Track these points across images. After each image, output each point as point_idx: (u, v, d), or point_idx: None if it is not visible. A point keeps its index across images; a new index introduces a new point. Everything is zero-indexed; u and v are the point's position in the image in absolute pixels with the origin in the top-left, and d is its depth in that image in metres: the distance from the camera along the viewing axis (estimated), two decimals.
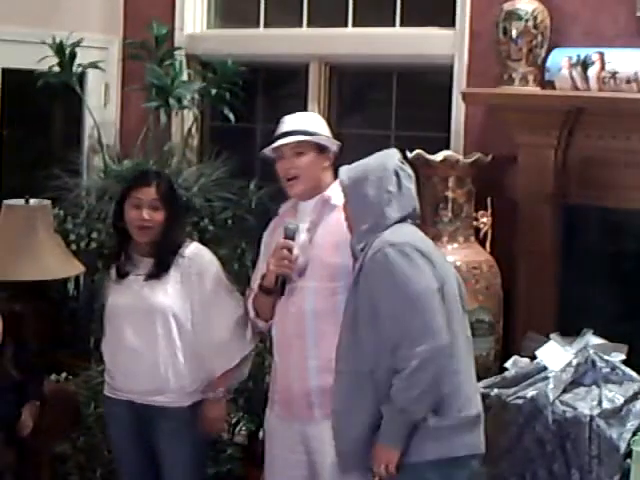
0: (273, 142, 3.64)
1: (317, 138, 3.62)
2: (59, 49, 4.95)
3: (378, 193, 3.29)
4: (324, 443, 3.53)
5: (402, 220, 3.32)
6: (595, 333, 4.04)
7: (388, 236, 3.25)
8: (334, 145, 3.68)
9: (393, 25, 4.98)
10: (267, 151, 3.68)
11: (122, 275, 3.85)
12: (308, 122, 3.68)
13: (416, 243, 3.26)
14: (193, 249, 3.85)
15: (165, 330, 3.76)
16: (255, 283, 3.72)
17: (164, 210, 3.78)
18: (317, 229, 3.60)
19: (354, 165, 3.38)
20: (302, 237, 3.61)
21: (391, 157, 3.38)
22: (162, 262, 3.79)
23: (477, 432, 3.30)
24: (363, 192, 3.31)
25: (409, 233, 3.31)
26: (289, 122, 3.67)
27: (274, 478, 3.72)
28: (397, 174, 3.32)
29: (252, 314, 3.74)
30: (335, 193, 3.62)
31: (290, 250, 3.52)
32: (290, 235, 3.52)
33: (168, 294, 3.77)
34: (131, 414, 3.83)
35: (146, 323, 3.76)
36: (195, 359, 3.79)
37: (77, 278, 4.92)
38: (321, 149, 3.63)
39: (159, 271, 3.78)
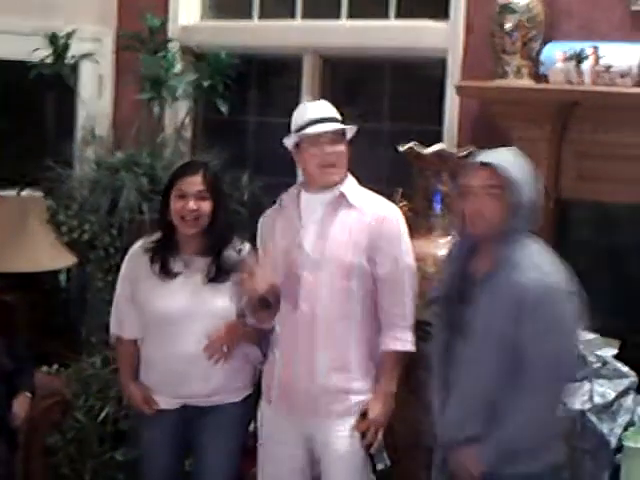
0: (300, 129, 3.57)
1: (350, 127, 3.63)
2: (52, 40, 4.93)
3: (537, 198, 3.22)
4: (328, 439, 3.55)
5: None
6: (587, 328, 4.03)
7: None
8: (351, 134, 3.68)
9: (387, 17, 4.97)
10: (301, 135, 3.59)
11: (169, 274, 3.71)
12: (331, 110, 3.65)
13: None
14: (250, 250, 3.78)
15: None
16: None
17: (211, 200, 3.71)
18: (332, 225, 3.56)
19: (514, 164, 3.23)
20: (312, 231, 3.58)
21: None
22: (222, 262, 3.68)
23: None
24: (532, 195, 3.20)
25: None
26: (315, 109, 3.63)
27: (269, 472, 3.71)
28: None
29: (251, 321, 3.69)
30: (350, 190, 3.60)
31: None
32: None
33: (229, 297, 3.69)
34: (175, 419, 3.76)
35: (209, 329, 3.65)
36: (246, 355, 3.76)
37: (69, 269, 4.91)
38: (345, 138, 3.63)
39: (218, 273, 3.68)
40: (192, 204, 3.67)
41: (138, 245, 3.84)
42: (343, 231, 3.55)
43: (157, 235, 3.81)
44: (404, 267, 3.58)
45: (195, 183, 3.70)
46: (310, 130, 3.56)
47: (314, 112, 3.61)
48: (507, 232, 3.17)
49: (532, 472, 3.16)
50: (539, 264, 3.16)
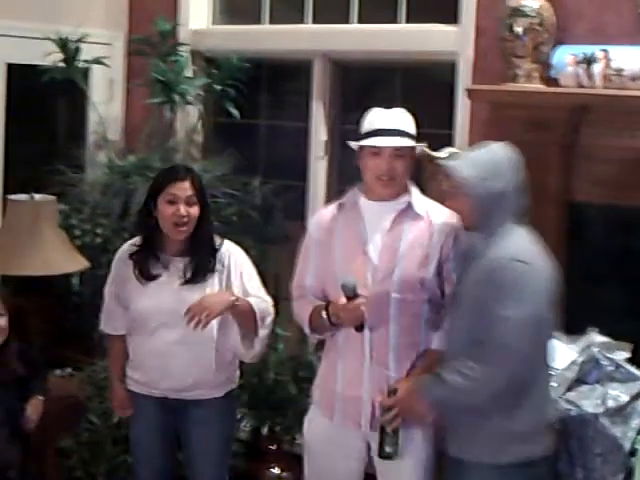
0: (368, 136, 3.49)
1: (419, 145, 3.55)
2: (64, 45, 4.95)
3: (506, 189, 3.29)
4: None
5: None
6: (600, 331, 4.04)
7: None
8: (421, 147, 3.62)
9: (397, 21, 4.98)
10: (364, 145, 3.51)
11: (149, 277, 3.78)
12: (406, 122, 3.54)
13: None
14: (229, 247, 3.84)
15: (208, 331, 3.72)
16: (304, 290, 3.64)
17: (198, 205, 3.75)
18: (401, 237, 3.49)
19: (471, 160, 3.30)
20: (378, 241, 3.51)
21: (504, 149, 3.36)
22: (199, 262, 3.75)
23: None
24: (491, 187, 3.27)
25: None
26: (388, 119, 3.51)
27: None
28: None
29: (307, 330, 3.64)
30: (417, 200, 3.55)
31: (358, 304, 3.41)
32: (350, 294, 3.38)
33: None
34: (161, 409, 3.84)
35: (187, 327, 3.67)
36: (228, 351, 3.82)
37: (81, 273, 4.91)
38: (414, 152, 3.55)
39: (198, 273, 3.74)
40: (183, 210, 3.71)
41: (125, 248, 3.91)
42: (414, 245, 3.48)
43: (139, 239, 3.86)
44: None
45: (185, 188, 3.73)
46: (370, 142, 3.48)
47: (382, 121, 3.50)
48: (480, 224, 3.28)
49: (498, 463, 3.26)
50: (513, 243, 3.28)
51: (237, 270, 3.81)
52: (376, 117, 3.53)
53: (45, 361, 4.28)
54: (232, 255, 3.83)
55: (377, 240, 3.50)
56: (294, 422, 4.01)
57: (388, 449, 3.45)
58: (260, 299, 3.79)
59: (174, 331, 3.73)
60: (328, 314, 3.48)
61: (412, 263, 3.46)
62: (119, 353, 3.93)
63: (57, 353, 4.56)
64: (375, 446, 3.48)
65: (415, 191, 3.59)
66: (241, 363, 3.94)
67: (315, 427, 3.65)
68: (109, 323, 3.94)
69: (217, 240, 3.83)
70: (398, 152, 3.47)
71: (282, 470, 4.66)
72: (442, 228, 3.50)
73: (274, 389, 4.69)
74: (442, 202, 4.27)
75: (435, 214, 3.54)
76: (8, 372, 4.05)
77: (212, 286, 3.77)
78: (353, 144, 3.56)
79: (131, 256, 3.83)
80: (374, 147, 3.46)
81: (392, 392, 3.44)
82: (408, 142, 3.49)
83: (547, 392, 3.45)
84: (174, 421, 3.87)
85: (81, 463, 4.49)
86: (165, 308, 3.73)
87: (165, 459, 3.92)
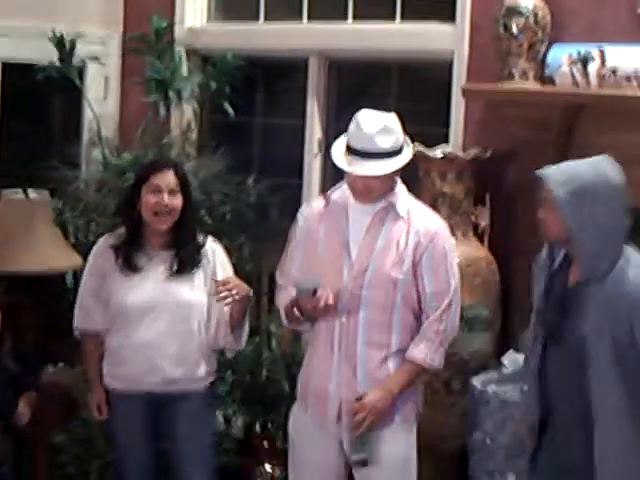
0: (350, 150, 3.40)
1: (400, 162, 3.43)
2: (59, 42, 4.95)
3: (612, 218, 3.03)
4: None
5: None
6: None
7: None
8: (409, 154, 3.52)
9: (393, 20, 4.97)
10: (344, 170, 3.44)
11: (133, 269, 3.77)
12: (388, 138, 3.38)
13: None
14: (212, 244, 3.86)
15: (193, 324, 3.76)
16: (287, 279, 3.62)
17: (182, 196, 3.76)
18: (379, 236, 3.49)
19: (566, 173, 3.08)
20: (358, 239, 3.51)
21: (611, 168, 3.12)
22: (185, 255, 3.75)
23: None
24: (590, 213, 3.01)
25: None
26: (367, 137, 3.36)
27: (302, 477, 3.67)
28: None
29: (285, 322, 3.65)
30: (400, 201, 3.51)
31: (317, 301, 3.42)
32: (306, 297, 3.39)
33: (195, 288, 3.78)
34: (145, 405, 3.81)
35: (174, 319, 3.73)
36: (209, 342, 3.83)
37: (75, 271, 4.90)
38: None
39: (183, 266, 3.75)
40: (167, 199, 3.71)
41: (103, 240, 3.90)
42: (390, 244, 3.47)
43: (121, 231, 3.86)
44: (454, 287, 3.50)
45: (168, 178, 3.74)
46: (343, 167, 3.42)
47: (360, 140, 3.37)
48: (575, 240, 3.04)
49: None
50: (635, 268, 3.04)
51: (221, 266, 3.83)
52: (355, 133, 3.40)
53: (38, 357, 4.28)
54: (216, 251, 3.85)
55: (358, 237, 3.51)
56: (287, 419, 3.99)
57: (356, 456, 3.45)
58: None
59: (160, 323, 3.73)
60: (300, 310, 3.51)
61: (385, 262, 3.46)
62: (96, 352, 3.89)
63: (50, 349, 4.55)
64: (347, 444, 3.50)
65: (401, 191, 3.55)
66: (234, 359, 3.95)
67: (295, 420, 3.69)
68: (86, 319, 3.89)
69: (200, 236, 3.85)
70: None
71: (274, 467, 4.65)
72: (419, 230, 3.48)
73: (267, 386, 4.68)
74: (436, 200, 4.31)
75: (416, 216, 3.52)
76: (1, 368, 4.03)
77: (198, 280, 3.78)
78: (336, 164, 3.48)
79: (114, 249, 3.80)
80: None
81: (358, 398, 3.44)
82: (382, 169, 3.38)
83: None
84: (158, 416, 3.84)
85: (74, 459, 4.49)
86: (151, 300, 3.73)
87: (150, 455, 3.90)
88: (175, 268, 3.75)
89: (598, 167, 3.13)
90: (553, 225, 3.08)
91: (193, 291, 3.78)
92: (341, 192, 3.58)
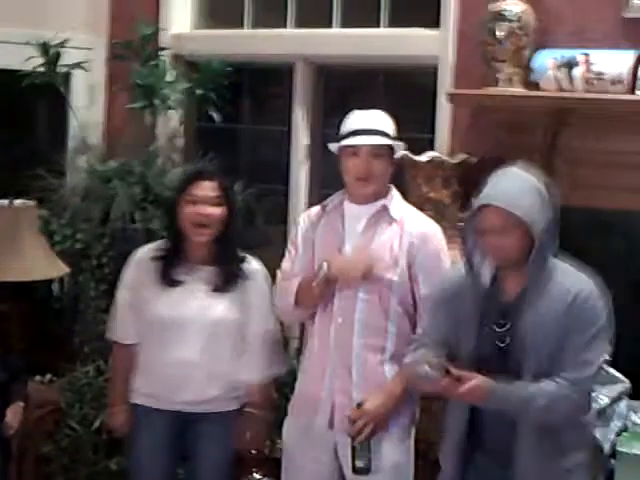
0: (346, 137, 3.52)
1: (396, 143, 3.56)
2: (44, 49, 4.94)
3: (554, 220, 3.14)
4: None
5: None
6: None
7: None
8: (401, 150, 3.64)
9: (379, 26, 4.98)
10: (341, 145, 3.54)
11: (172, 283, 3.68)
12: (384, 123, 3.57)
13: None
14: (255, 265, 3.78)
15: (227, 344, 3.69)
16: (292, 273, 3.65)
17: (224, 207, 3.67)
18: (373, 239, 3.53)
19: (508, 192, 3.09)
20: (352, 244, 3.54)
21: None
22: (226, 272, 3.67)
23: None
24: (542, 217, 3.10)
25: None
26: (365, 119, 3.55)
27: None
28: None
29: (291, 301, 3.62)
30: (394, 205, 3.56)
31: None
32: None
33: (233, 308, 3.69)
34: (170, 423, 3.73)
35: (209, 337, 3.66)
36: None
37: (61, 279, 4.90)
38: (392, 154, 3.57)
39: (225, 283, 3.67)
40: (204, 209, 3.63)
41: (144, 252, 3.82)
42: (384, 247, 3.51)
43: (163, 243, 3.79)
44: None
45: (208, 188, 3.67)
46: (347, 141, 3.51)
47: (359, 122, 3.53)
48: (531, 258, 3.09)
49: None
50: (574, 273, 3.18)
51: (257, 304, 3.75)
52: (354, 119, 3.55)
53: (25, 367, 4.24)
54: (257, 275, 3.77)
55: (353, 241, 3.54)
56: (275, 427, 3.99)
57: (359, 463, 3.44)
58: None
59: (195, 341, 3.65)
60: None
61: (380, 267, 3.48)
62: (125, 364, 3.80)
63: (37, 359, 4.52)
64: (341, 449, 3.51)
65: (395, 195, 3.62)
66: None
67: (288, 427, 3.69)
68: (120, 330, 3.81)
69: (241, 253, 3.78)
70: (376, 151, 3.50)
71: (263, 475, 4.63)
72: (412, 233, 3.51)
73: None
74: (422, 205, 4.30)
75: (410, 220, 3.56)
76: None
77: (237, 298, 3.69)
78: (332, 146, 3.59)
79: (154, 260, 3.72)
80: (352, 147, 3.49)
81: (359, 405, 3.44)
82: (384, 140, 3.50)
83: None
84: (181, 437, 3.76)
85: (61, 469, 4.47)
86: (187, 316, 3.65)
87: (166, 475, 3.82)
88: (217, 285, 3.67)
89: (523, 176, 3.18)
90: (513, 247, 3.10)
91: (230, 310, 3.69)
92: (337, 198, 3.63)
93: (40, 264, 4.51)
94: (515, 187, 3.12)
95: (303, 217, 3.74)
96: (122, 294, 3.82)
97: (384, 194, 3.57)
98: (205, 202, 3.64)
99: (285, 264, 3.70)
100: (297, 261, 3.67)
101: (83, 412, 4.42)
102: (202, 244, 3.68)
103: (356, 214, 3.56)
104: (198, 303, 3.67)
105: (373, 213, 3.55)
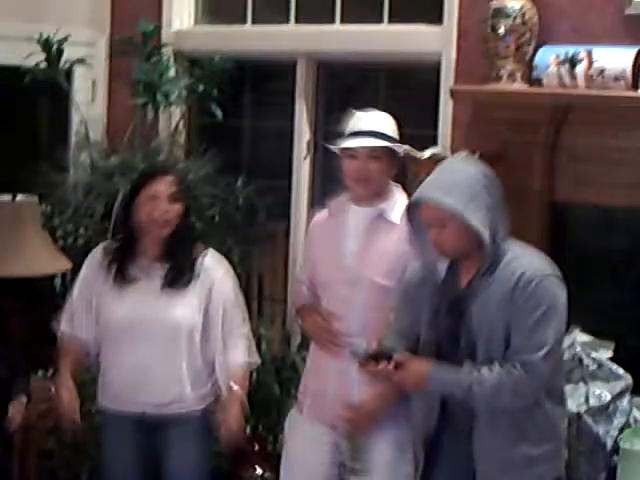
0: (346, 138, 3.55)
1: (395, 146, 3.56)
2: (46, 45, 4.93)
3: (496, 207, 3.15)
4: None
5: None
6: (582, 330, 4.05)
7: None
8: (403, 150, 3.63)
9: (381, 22, 4.97)
10: (338, 147, 3.58)
11: (126, 281, 3.66)
12: (384, 124, 3.58)
13: None
14: (211, 259, 3.74)
15: (186, 344, 3.66)
16: (301, 280, 3.77)
17: (182, 203, 3.67)
18: (371, 243, 3.54)
19: (443, 186, 3.13)
20: (353, 247, 3.56)
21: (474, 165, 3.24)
22: (179, 268, 3.64)
23: None
24: (484, 202, 3.11)
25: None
26: (365, 121, 3.56)
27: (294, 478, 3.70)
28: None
29: (294, 310, 3.77)
30: (393, 207, 3.57)
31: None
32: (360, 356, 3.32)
33: (188, 307, 3.64)
34: (137, 426, 3.71)
35: (166, 337, 3.63)
36: (208, 365, 3.73)
37: (64, 274, 4.89)
38: (392, 154, 3.58)
39: (177, 278, 3.63)
40: (164, 205, 3.62)
41: (100, 247, 3.81)
42: (383, 255, 3.52)
43: (112, 242, 3.79)
44: None
45: (167, 184, 3.66)
46: (346, 144, 3.53)
47: (358, 124, 3.55)
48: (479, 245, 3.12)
49: None
50: (530, 257, 3.18)
51: (220, 299, 3.71)
52: (354, 120, 3.57)
53: (27, 362, 4.25)
54: (217, 277, 3.72)
55: (353, 244, 3.57)
56: (277, 422, 4.01)
57: (355, 464, 3.47)
58: (241, 354, 3.74)
59: (149, 342, 3.62)
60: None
61: (378, 271, 3.51)
62: (74, 352, 3.77)
63: (40, 354, 4.53)
64: (344, 445, 3.53)
65: (398, 197, 3.62)
66: None
67: (291, 422, 3.73)
68: (69, 324, 3.78)
69: (200, 247, 3.75)
70: (373, 153, 3.51)
71: (265, 470, 4.64)
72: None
73: (257, 389, 4.67)
74: None
75: None
76: None
77: (193, 296, 3.65)
78: (332, 148, 3.61)
79: (107, 255, 3.72)
80: (349, 149, 3.51)
81: (353, 404, 3.45)
82: (381, 143, 3.50)
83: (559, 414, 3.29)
84: (151, 442, 3.74)
85: (64, 464, 4.48)
86: (140, 317, 3.62)
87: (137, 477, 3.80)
88: (169, 281, 3.64)
89: (456, 167, 3.23)
90: (452, 240, 3.12)
91: (184, 309, 3.65)
92: (340, 199, 3.66)
93: (42, 260, 4.52)
94: (445, 180, 3.15)
95: (311, 225, 3.81)
96: (78, 289, 3.79)
97: (387, 196, 3.59)
98: (165, 198, 3.63)
99: (298, 270, 3.84)
100: (303, 270, 3.78)
101: (85, 407, 4.41)
102: (158, 241, 3.66)
103: (358, 216, 3.59)
104: (154, 302, 3.63)
105: (374, 217, 3.57)
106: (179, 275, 3.65)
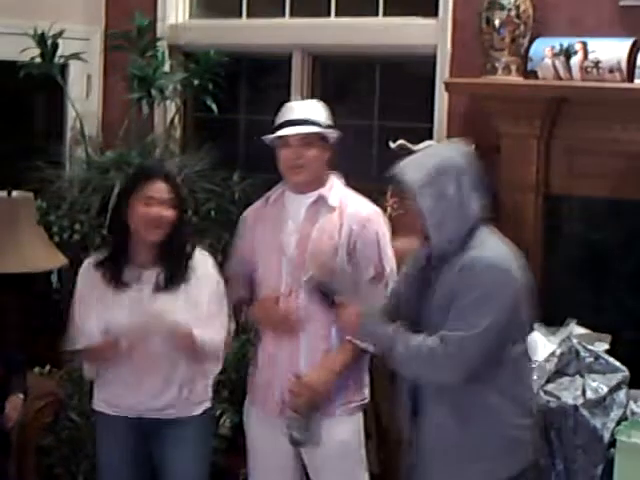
0: (278, 128, 3.59)
1: (326, 131, 3.59)
2: (41, 40, 4.91)
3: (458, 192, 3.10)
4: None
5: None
6: (579, 323, 4.05)
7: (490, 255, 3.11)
8: (335, 137, 3.65)
9: (376, 15, 4.97)
10: (271, 137, 3.63)
11: (119, 285, 3.60)
12: (314, 111, 3.63)
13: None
14: (198, 256, 3.69)
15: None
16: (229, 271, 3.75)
17: (175, 208, 3.61)
18: (313, 228, 3.57)
19: (414, 163, 3.17)
20: (294, 235, 3.59)
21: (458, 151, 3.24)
22: (173, 272, 3.59)
23: None
24: (441, 191, 3.09)
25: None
26: (296, 110, 3.62)
27: (259, 470, 3.73)
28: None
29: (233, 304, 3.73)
30: (332, 193, 3.60)
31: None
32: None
33: (180, 309, 3.58)
34: (135, 432, 3.66)
35: (160, 341, 3.56)
36: (201, 369, 3.70)
37: (60, 270, 4.89)
38: (325, 141, 3.61)
39: (170, 283, 3.58)
40: (159, 210, 3.57)
41: (88, 263, 3.73)
42: (323, 236, 3.55)
43: (107, 249, 3.72)
44: (389, 271, 3.57)
45: (163, 190, 3.59)
46: (278, 133, 3.59)
47: (291, 113, 3.61)
48: (430, 231, 3.12)
49: None
50: (489, 248, 3.12)
51: (206, 289, 3.66)
52: (286, 110, 3.63)
53: (24, 359, 4.24)
54: (205, 269, 3.68)
55: (293, 232, 3.59)
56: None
57: (296, 435, 3.51)
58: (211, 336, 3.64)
59: (150, 344, 3.56)
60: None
61: (322, 254, 3.52)
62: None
63: (36, 351, 4.53)
64: (292, 417, 3.55)
65: (335, 183, 3.66)
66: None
67: (246, 414, 3.78)
68: (82, 340, 3.64)
69: (188, 247, 3.69)
70: (305, 140, 3.55)
71: None
72: (351, 218, 3.55)
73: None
74: None
75: (348, 204, 3.60)
76: None
77: (185, 298, 3.60)
78: (265, 139, 3.66)
79: (99, 265, 3.65)
80: (281, 138, 3.57)
81: (299, 377, 3.51)
82: (312, 129, 3.54)
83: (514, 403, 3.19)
84: (148, 446, 3.70)
85: (61, 461, 4.48)
86: (136, 321, 3.54)
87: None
88: (161, 285, 3.58)
89: (444, 152, 3.26)
90: (414, 217, 3.14)
91: (178, 311, 3.58)
92: (277, 189, 3.71)
93: (38, 255, 4.50)
94: (417, 159, 3.21)
95: (243, 216, 3.81)
96: (77, 309, 3.68)
97: (323, 182, 3.62)
98: (160, 204, 3.58)
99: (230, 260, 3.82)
100: (236, 263, 3.78)
101: (82, 403, 4.42)
102: (150, 245, 3.61)
103: (296, 204, 3.62)
104: (144, 307, 3.57)
105: (311, 203, 3.60)
106: (172, 279, 3.60)
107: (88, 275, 3.71)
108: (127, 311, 3.57)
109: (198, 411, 3.72)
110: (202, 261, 3.70)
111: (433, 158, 3.16)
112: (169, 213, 3.60)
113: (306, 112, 3.60)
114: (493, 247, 3.13)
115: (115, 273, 3.62)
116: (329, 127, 3.62)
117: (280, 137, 3.58)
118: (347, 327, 3.38)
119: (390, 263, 3.58)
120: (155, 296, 3.60)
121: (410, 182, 3.09)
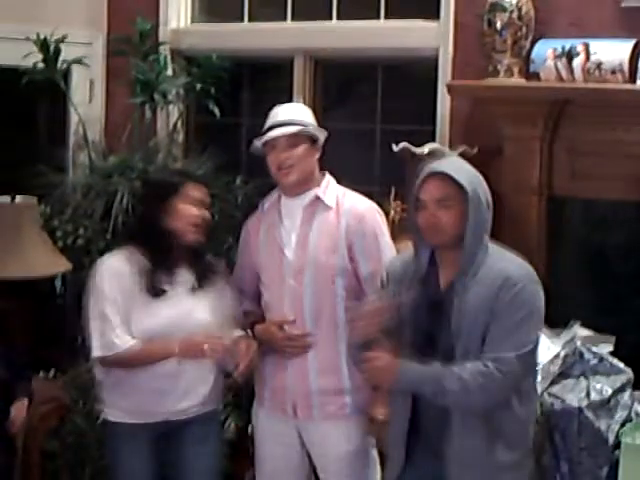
0: (264, 134, 3.62)
1: (312, 129, 3.61)
2: (43, 45, 4.92)
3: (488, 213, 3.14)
4: (325, 441, 3.59)
5: None
6: (583, 325, 4.05)
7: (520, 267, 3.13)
8: (323, 137, 3.67)
9: (378, 18, 4.97)
10: (259, 143, 3.65)
11: (158, 291, 3.56)
12: (299, 113, 3.67)
13: None
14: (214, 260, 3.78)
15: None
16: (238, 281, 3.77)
17: (209, 212, 3.69)
18: (311, 230, 3.58)
19: (463, 170, 3.15)
20: (293, 238, 3.60)
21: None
22: (203, 272, 3.63)
23: None
24: (486, 198, 3.13)
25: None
26: (280, 113, 3.65)
27: (267, 471, 3.74)
28: None
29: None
30: (327, 192, 3.62)
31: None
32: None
33: (211, 308, 3.62)
34: (153, 436, 3.64)
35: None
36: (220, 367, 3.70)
37: (64, 275, 4.89)
38: (313, 141, 3.62)
39: (202, 284, 3.62)
40: (203, 212, 3.64)
41: (110, 262, 3.66)
42: (322, 235, 3.57)
43: (128, 250, 3.66)
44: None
45: (203, 191, 3.68)
46: (264, 138, 3.61)
47: (276, 116, 3.64)
48: (467, 239, 3.09)
49: None
50: (508, 258, 3.15)
51: (228, 289, 3.73)
52: (271, 115, 3.67)
53: (29, 364, 4.25)
54: (220, 269, 3.76)
55: (292, 236, 3.61)
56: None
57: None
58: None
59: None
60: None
61: (322, 254, 3.54)
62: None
63: (41, 355, 4.54)
64: (305, 435, 3.60)
65: (329, 182, 3.67)
66: None
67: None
68: (120, 342, 3.56)
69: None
70: (292, 141, 3.58)
71: None
72: (348, 214, 3.57)
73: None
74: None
75: (345, 202, 3.62)
76: None
77: (212, 297, 3.63)
78: (253, 145, 3.69)
79: (138, 271, 3.58)
80: (268, 142, 3.60)
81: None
82: (295, 128, 3.56)
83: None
84: (166, 446, 3.68)
85: (66, 465, 4.48)
86: (172, 325, 3.54)
87: None
88: (197, 286, 3.62)
89: (463, 160, 3.28)
90: (449, 223, 3.10)
91: (208, 311, 3.61)
92: (272, 195, 3.73)
93: (42, 261, 4.51)
94: (459, 162, 3.23)
95: (245, 229, 3.82)
96: (108, 308, 3.57)
97: (316, 182, 3.63)
98: (202, 205, 3.65)
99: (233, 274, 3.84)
100: (239, 277, 3.80)
101: (87, 408, 4.42)
102: (186, 247, 3.62)
103: (292, 208, 3.64)
104: (179, 310, 3.57)
105: (307, 204, 3.61)
106: (204, 279, 3.65)
107: (122, 279, 3.59)
108: (162, 317, 3.55)
109: (218, 405, 3.78)
110: (217, 262, 3.78)
111: (464, 165, 3.19)
112: (207, 214, 3.67)
113: (289, 114, 3.63)
114: (513, 259, 3.16)
115: (154, 282, 3.58)
116: (314, 126, 3.65)
117: (267, 141, 3.60)
118: (384, 380, 3.20)
119: (392, 252, 3.60)
120: (188, 299, 3.61)
121: (465, 184, 3.08)
